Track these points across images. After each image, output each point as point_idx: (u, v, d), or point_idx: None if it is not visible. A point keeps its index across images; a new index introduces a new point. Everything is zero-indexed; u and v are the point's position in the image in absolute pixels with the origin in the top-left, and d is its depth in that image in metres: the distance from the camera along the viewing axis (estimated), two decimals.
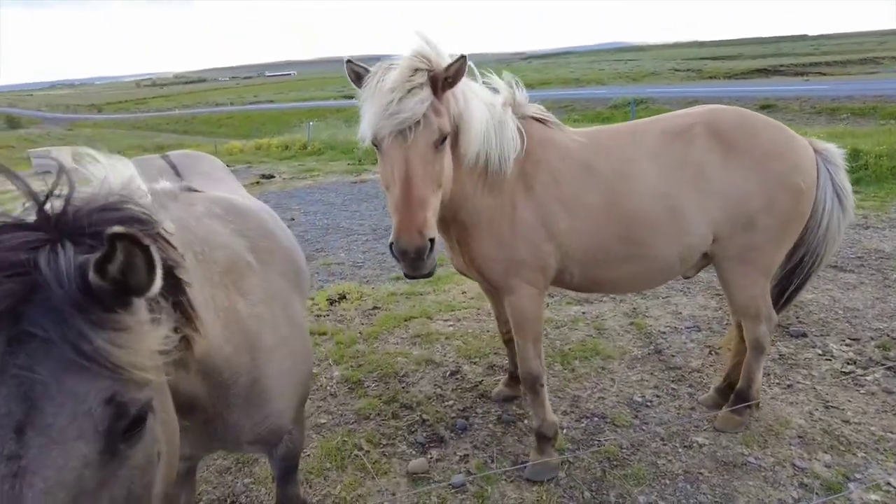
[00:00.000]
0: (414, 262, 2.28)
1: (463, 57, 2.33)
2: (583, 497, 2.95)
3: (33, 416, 0.94)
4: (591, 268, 2.94)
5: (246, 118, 53.37)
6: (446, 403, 3.80)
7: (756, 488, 2.91)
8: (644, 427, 3.48)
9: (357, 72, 2.45)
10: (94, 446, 0.98)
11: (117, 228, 0.96)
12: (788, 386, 3.77)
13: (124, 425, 1.02)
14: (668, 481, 3.01)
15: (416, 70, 2.31)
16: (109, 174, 1.37)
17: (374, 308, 5.51)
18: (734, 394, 3.42)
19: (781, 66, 57.25)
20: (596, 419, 3.57)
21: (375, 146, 2.40)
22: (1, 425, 0.93)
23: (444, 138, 2.38)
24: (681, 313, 4.97)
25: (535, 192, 2.77)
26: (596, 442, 3.36)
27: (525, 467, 3.11)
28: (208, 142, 31.52)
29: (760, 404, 3.45)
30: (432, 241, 2.30)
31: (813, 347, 4.22)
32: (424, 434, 3.49)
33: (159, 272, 1.05)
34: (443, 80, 2.35)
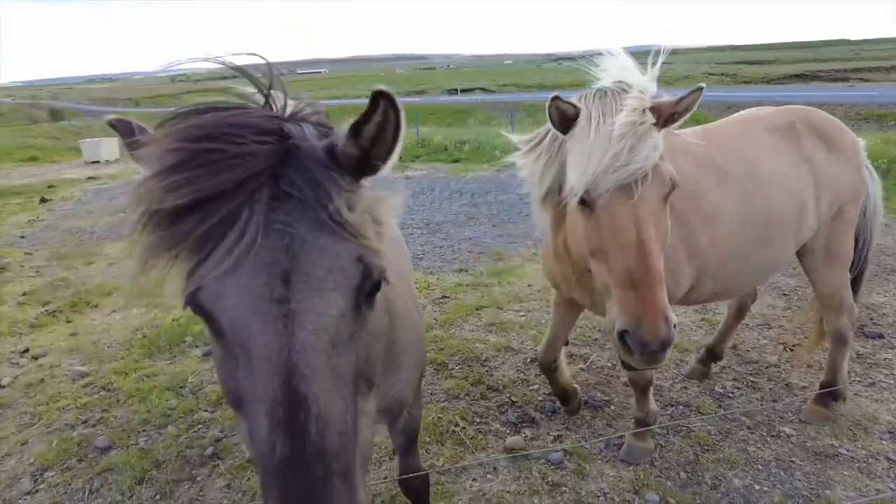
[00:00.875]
0: (654, 355, 1.86)
1: (700, 89, 1.98)
2: (679, 477, 3.06)
3: (296, 265, 1.02)
4: (723, 280, 2.81)
5: None
6: (532, 387, 3.93)
7: (852, 478, 2.99)
8: (729, 416, 3.57)
9: (564, 110, 2.01)
10: (346, 300, 1.06)
11: (381, 87, 1.06)
12: (871, 384, 3.82)
13: (369, 285, 1.11)
14: (760, 467, 3.11)
15: (644, 110, 1.92)
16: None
17: (444, 297, 5.67)
18: (820, 386, 3.50)
19: (820, 71, 56.07)
20: (681, 407, 3.67)
21: (583, 202, 1.97)
22: (270, 272, 1.01)
23: (674, 189, 1.98)
24: (750, 311, 5.01)
25: (675, 208, 2.44)
26: (684, 428, 3.47)
27: (620, 449, 3.24)
28: None
29: (847, 399, 3.51)
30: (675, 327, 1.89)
31: (891, 349, 4.25)
32: (515, 414, 3.63)
33: (400, 143, 1.15)
34: (667, 117, 1.97)
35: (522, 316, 5.08)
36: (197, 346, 4.83)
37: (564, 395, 3.52)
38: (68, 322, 5.68)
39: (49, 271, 7.35)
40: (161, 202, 1.04)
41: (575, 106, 2.01)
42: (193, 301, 1.06)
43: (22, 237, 9.23)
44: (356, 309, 1.10)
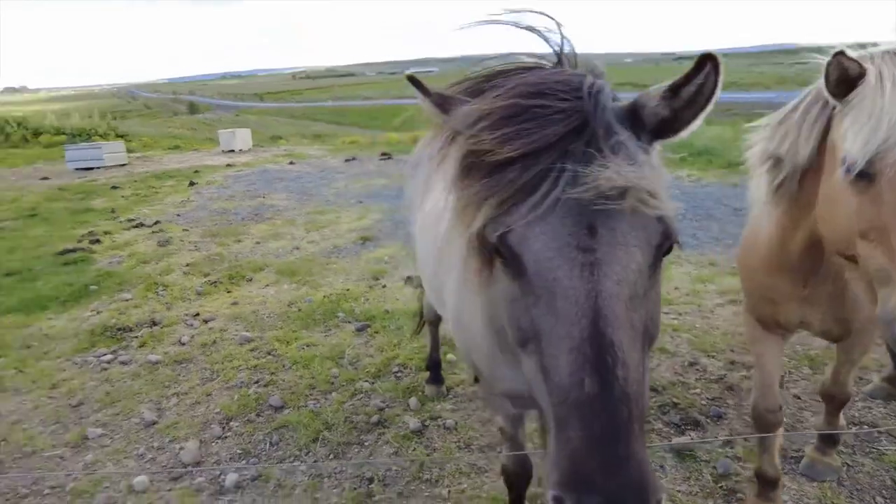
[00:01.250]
0: None
1: None
2: (874, 501, 2.81)
3: (602, 219, 1.06)
4: None
5: (396, 111, 55.88)
6: (693, 391, 3.77)
7: None
8: None
9: (847, 68, 1.71)
10: (645, 257, 1.08)
11: (711, 50, 1.07)
12: None
13: (667, 246, 1.13)
14: None
15: None
16: None
17: None
18: None
19: None
20: (866, 427, 3.37)
21: (861, 174, 1.69)
22: (577, 223, 1.05)
23: None
24: None
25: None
26: (873, 450, 3.17)
27: (798, 462, 3.03)
28: (364, 133, 33.39)
29: None
30: None
31: None
32: (678, 416, 3.49)
33: (708, 109, 1.14)
34: None
35: (674, 319, 4.88)
36: (349, 322, 5.09)
37: (773, 477, 2.69)
38: (228, 292, 6.20)
39: (204, 247, 8.06)
40: (494, 153, 1.10)
41: (861, 65, 1.71)
42: (503, 242, 1.12)
43: (178, 215, 10.21)
44: (651, 267, 1.12)
